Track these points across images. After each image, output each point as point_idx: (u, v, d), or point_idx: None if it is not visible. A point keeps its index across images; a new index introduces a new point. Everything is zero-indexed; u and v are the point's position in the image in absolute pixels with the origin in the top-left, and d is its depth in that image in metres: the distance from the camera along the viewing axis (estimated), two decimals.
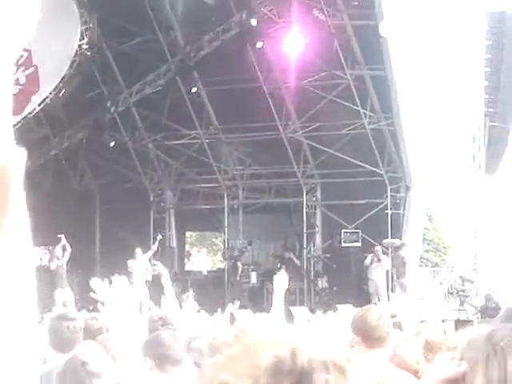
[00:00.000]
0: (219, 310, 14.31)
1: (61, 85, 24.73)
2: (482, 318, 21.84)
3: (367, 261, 23.33)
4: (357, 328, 5.30)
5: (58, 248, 21.76)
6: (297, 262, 25.90)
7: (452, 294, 25.92)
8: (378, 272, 23.21)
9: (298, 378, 1.26)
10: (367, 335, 5.17)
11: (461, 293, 24.98)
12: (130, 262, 21.72)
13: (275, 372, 1.27)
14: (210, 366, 1.36)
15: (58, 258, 21.61)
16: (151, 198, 27.47)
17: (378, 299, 22.23)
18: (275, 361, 1.28)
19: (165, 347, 5.14)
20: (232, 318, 16.97)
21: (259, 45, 23.65)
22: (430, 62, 25.53)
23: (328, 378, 1.26)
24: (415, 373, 5.52)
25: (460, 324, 17.94)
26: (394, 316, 15.25)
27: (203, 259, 28.78)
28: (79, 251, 22.85)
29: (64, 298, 20.69)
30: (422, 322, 9.88)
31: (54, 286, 21.10)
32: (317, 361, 1.28)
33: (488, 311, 21.98)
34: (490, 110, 27.40)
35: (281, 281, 6.63)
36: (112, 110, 25.92)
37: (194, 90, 25.14)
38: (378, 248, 23.38)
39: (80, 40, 24.15)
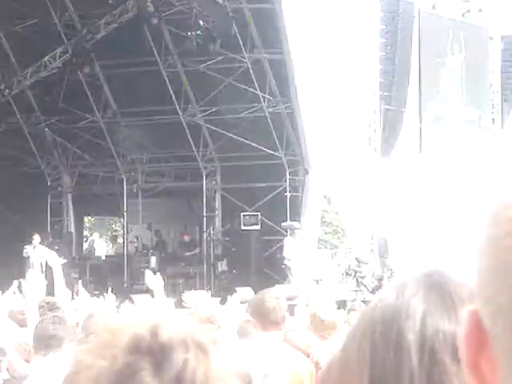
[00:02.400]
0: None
1: None
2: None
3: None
4: (253, 310, 5.35)
5: None
6: (196, 249, 25.90)
7: (349, 275, 26.39)
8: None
9: (158, 356, 1.20)
10: (263, 318, 5.22)
11: (358, 274, 25.45)
12: (27, 248, 21.32)
13: (133, 350, 1.21)
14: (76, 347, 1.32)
15: None
16: (48, 183, 27.01)
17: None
18: (133, 339, 1.21)
19: (48, 331, 5.21)
20: (132, 303, 16.88)
21: (154, 20, 23.19)
22: (326, 47, 25.82)
23: (187, 358, 1.21)
24: (307, 356, 5.63)
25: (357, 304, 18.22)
26: (293, 298, 15.43)
27: (102, 244, 28.50)
28: None
29: None
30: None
31: None
32: (177, 339, 1.22)
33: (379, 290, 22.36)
34: (385, 93, 27.89)
35: (155, 280, 6.49)
36: (6, 92, 25.32)
37: (86, 70, 24.63)
38: None
39: None
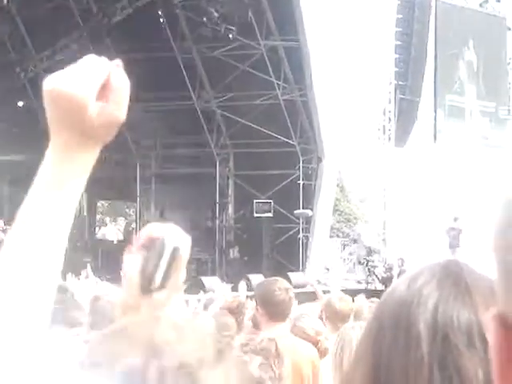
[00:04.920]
0: None
1: None
2: (385, 287, 22.25)
3: None
4: (262, 301, 5.30)
5: None
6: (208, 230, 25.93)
7: (361, 263, 26.37)
8: None
9: None
10: (272, 309, 5.19)
11: (370, 263, 25.42)
12: None
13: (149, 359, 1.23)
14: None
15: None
16: None
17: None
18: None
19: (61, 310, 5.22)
20: None
21: (175, 11, 23.34)
22: (342, 35, 25.73)
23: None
24: (315, 343, 5.61)
25: (366, 294, 18.23)
26: (303, 286, 15.44)
27: (113, 228, 28.57)
28: None
29: None
30: (325, 292, 10.01)
31: None
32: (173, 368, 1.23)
33: (390, 281, 22.44)
34: (401, 82, 27.79)
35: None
36: (22, 75, 25.36)
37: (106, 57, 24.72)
38: None
39: None
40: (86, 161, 1.30)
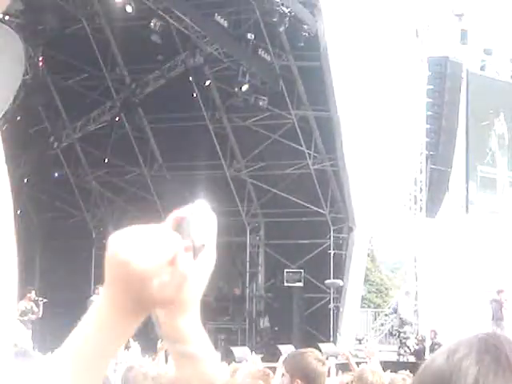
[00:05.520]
0: None
1: (3, 120, 24.45)
2: (417, 359, 21.95)
3: None
4: (298, 371, 5.22)
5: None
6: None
7: (393, 335, 26.04)
8: None
9: None
10: (309, 380, 5.11)
11: (402, 334, 25.10)
12: (93, 298, 21.23)
13: None
14: None
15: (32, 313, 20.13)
16: (93, 235, 27.17)
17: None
18: None
19: None
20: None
21: (207, 83, 23.77)
22: (373, 105, 25.87)
23: None
24: None
25: (397, 366, 17.98)
26: (335, 357, 15.27)
27: None
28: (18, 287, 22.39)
29: None
30: (360, 363, 9.87)
31: None
32: None
33: (421, 353, 22.15)
34: (432, 152, 27.77)
35: None
36: (55, 145, 25.69)
37: (138, 127, 25.11)
38: None
39: (24, 75, 23.94)
40: (130, 326, 1.30)
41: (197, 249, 1.35)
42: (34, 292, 20.81)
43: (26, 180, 26.41)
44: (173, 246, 1.29)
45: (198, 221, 1.40)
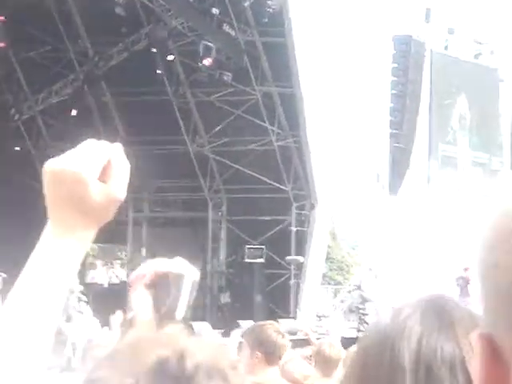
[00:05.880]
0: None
1: None
2: None
3: None
4: (259, 343, 5.26)
5: None
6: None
7: (353, 312, 26.23)
8: None
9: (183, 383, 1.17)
10: (268, 352, 5.15)
11: (361, 311, 25.29)
12: None
13: (158, 373, 1.17)
14: (91, 362, 1.29)
15: None
16: None
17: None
18: (159, 361, 1.18)
19: None
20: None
21: (170, 57, 23.59)
22: (338, 82, 25.91)
23: None
24: None
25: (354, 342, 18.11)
26: (294, 333, 15.34)
27: (104, 272, 28.42)
28: None
29: None
30: (319, 338, 9.94)
31: None
32: (202, 366, 1.19)
33: None
34: (395, 131, 27.92)
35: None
36: (16, 117, 25.42)
37: (101, 100, 24.91)
38: None
39: None
40: (85, 237, 1.37)
41: None
42: None
43: None
44: (105, 151, 1.37)
45: (190, 276, 1.46)
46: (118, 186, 1.37)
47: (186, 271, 1.49)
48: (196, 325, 18.79)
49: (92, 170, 1.33)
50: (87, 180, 1.32)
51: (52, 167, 1.34)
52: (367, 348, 1.23)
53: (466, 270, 22.92)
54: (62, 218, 1.33)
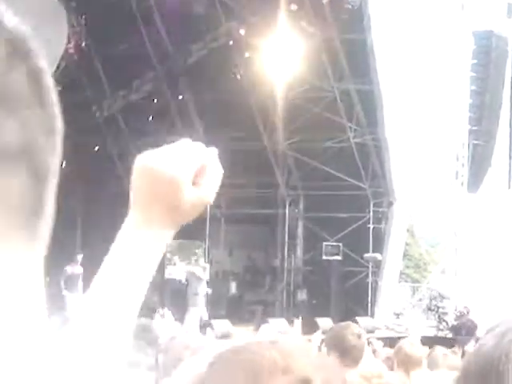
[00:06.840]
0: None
1: None
2: (454, 335, 21.82)
3: None
4: (333, 346, 5.24)
5: None
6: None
7: (431, 310, 25.95)
8: None
9: None
10: (344, 355, 5.12)
11: (440, 310, 25.01)
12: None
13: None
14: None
15: None
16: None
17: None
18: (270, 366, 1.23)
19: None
20: (210, 328, 16.92)
21: (246, 54, 23.68)
22: (416, 79, 25.64)
23: None
24: None
25: (435, 341, 17.92)
26: (372, 331, 15.26)
27: (182, 268, 28.66)
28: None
29: None
30: (399, 338, 9.85)
31: None
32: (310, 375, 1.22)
33: (459, 329, 22.00)
34: (475, 127, 27.48)
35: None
36: (97, 115, 25.82)
37: (180, 97, 25.13)
38: None
39: (66, 44, 24.05)
40: (167, 234, 1.36)
41: None
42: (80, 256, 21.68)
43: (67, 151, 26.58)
44: (201, 154, 1.37)
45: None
46: (209, 191, 1.38)
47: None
48: (273, 322, 18.82)
49: (187, 173, 1.34)
50: (182, 183, 1.33)
51: (145, 164, 1.34)
52: (471, 373, 1.21)
53: None
54: (149, 213, 1.34)
